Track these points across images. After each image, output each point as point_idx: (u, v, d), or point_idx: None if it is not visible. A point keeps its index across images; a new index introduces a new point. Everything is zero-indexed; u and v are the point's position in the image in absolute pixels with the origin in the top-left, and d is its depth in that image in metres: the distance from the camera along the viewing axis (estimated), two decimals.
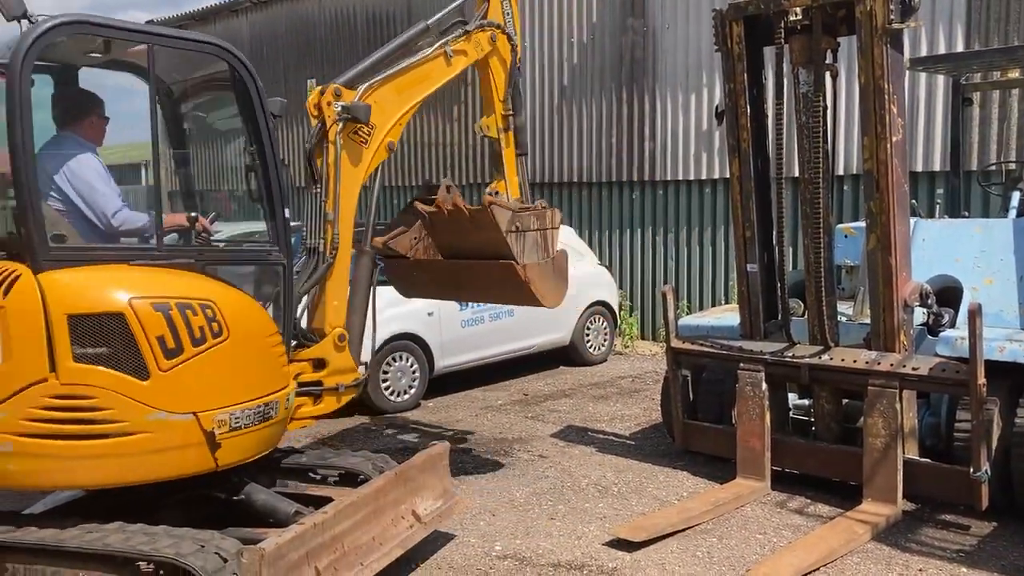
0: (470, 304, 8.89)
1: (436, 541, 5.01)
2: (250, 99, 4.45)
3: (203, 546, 3.70)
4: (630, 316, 11.85)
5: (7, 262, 3.95)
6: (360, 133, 5.18)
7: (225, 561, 3.64)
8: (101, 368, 3.82)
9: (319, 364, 4.94)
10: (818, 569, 4.63)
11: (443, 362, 8.74)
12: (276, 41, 17.07)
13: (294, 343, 4.84)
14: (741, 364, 5.95)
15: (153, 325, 3.89)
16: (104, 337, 3.85)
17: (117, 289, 3.93)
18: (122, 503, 4.24)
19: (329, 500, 4.52)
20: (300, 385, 4.76)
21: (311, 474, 5.09)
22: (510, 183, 6.31)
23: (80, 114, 4.55)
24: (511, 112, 6.39)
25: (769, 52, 6.10)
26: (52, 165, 4.33)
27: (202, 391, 4.03)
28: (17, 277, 3.84)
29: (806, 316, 6.02)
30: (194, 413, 3.99)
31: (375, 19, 15.39)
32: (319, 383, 4.92)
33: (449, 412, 8.29)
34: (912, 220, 5.95)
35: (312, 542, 3.86)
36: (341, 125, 5.02)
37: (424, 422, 7.94)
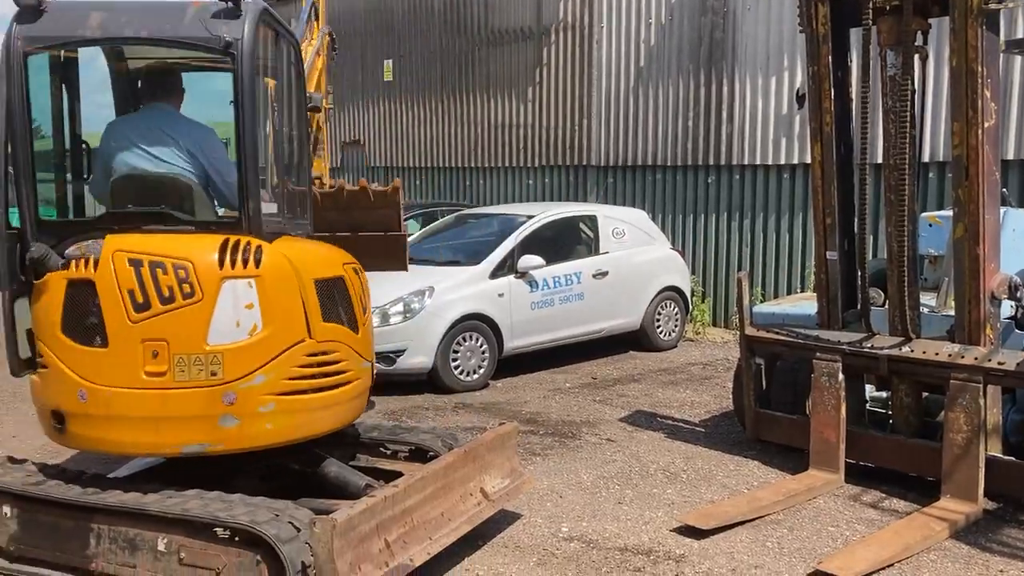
0: (541, 286, 8.90)
1: (503, 520, 5.04)
2: None
3: (277, 515, 3.79)
4: (702, 302, 11.69)
5: (216, 235, 4.17)
6: None
7: (298, 530, 3.72)
8: (337, 325, 4.38)
9: None
10: (893, 565, 4.52)
11: (512, 343, 8.77)
12: (355, 21, 17.24)
13: None
14: (818, 354, 5.82)
15: (358, 286, 4.59)
16: (336, 298, 4.40)
17: (333, 257, 4.58)
18: (199, 472, 4.37)
19: (399, 475, 4.59)
20: None
21: (382, 449, 5.17)
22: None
23: (176, 86, 4.71)
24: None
25: (855, 34, 5.92)
26: (188, 139, 4.52)
27: (372, 344, 4.74)
28: (259, 248, 4.11)
29: (886, 306, 5.86)
30: (371, 362, 4.69)
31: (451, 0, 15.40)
32: None
33: (517, 393, 8.32)
34: (1002, 209, 5.72)
35: (382, 515, 3.92)
36: None
37: (492, 402, 7.98)
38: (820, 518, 5.19)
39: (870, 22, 5.49)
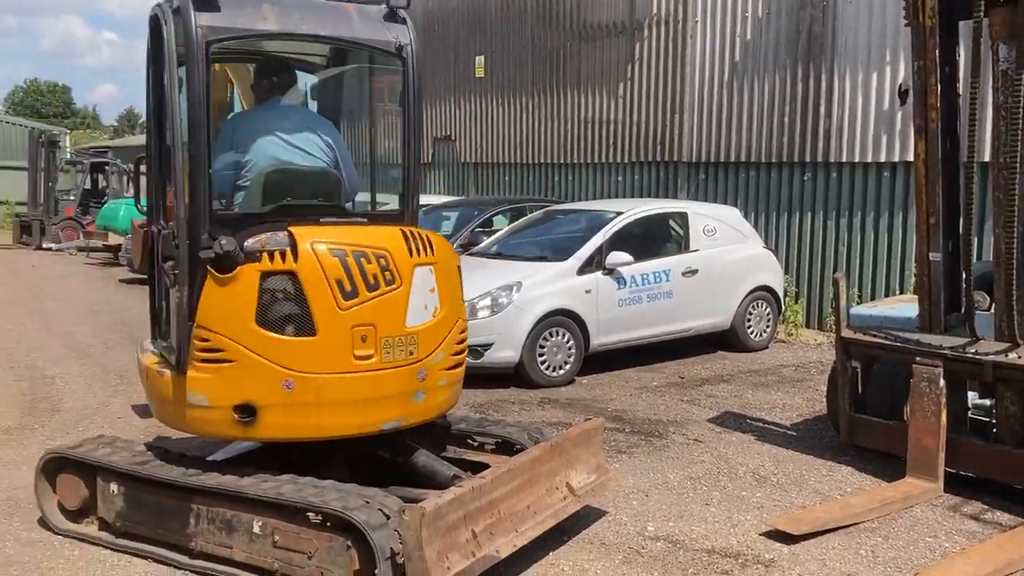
0: (629, 283, 8.84)
1: (588, 516, 5.03)
2: None
3: (368, 502, 3.88)
4: (795, 303, 11.41)
5: (388, 226, 4.50)
6: None
7: (388, 517, 3.79)
8: (465, 303, 4.81)
9: None
10: None
11: (599, 340, 8.73)
12: (447, 17, 17.41)
13: None
14: (918, 358, 5.62)
15: None
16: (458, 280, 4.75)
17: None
18: (293, 457, 4.50)
19: (486, 466, 4.63)
20: None
21: (469, 440, 5.22)
22: None
23: (295, 82, 4.88)
24: None
25: (964, 27, 5.69)
26: (326, 133, 4.76)
27: None
28: (428, 237, 4.52)
29: (992, 310, 5.61)
30: None
31: None
32: None
33: (603, 390, 8.28)
34: None
35: (470, 505, 3.96)
36: None
37: (578, 398, 7.97)
38: (917, 528, 5.01)
39: (982, 14, 5.26)
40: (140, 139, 53.26)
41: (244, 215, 4.38)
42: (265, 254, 4.10)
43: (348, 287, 4.14)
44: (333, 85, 5.31)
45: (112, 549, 4.52)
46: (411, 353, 4.34)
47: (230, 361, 4.13)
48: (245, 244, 4.11)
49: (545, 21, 15.35)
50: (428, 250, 4.44)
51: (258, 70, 4.88)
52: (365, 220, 4.63)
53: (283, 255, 4.11)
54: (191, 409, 4.25)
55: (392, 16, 4.58)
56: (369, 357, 4.21)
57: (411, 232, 4.46)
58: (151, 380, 4.53)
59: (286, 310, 4.13)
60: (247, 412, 4.16)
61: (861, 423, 6.18)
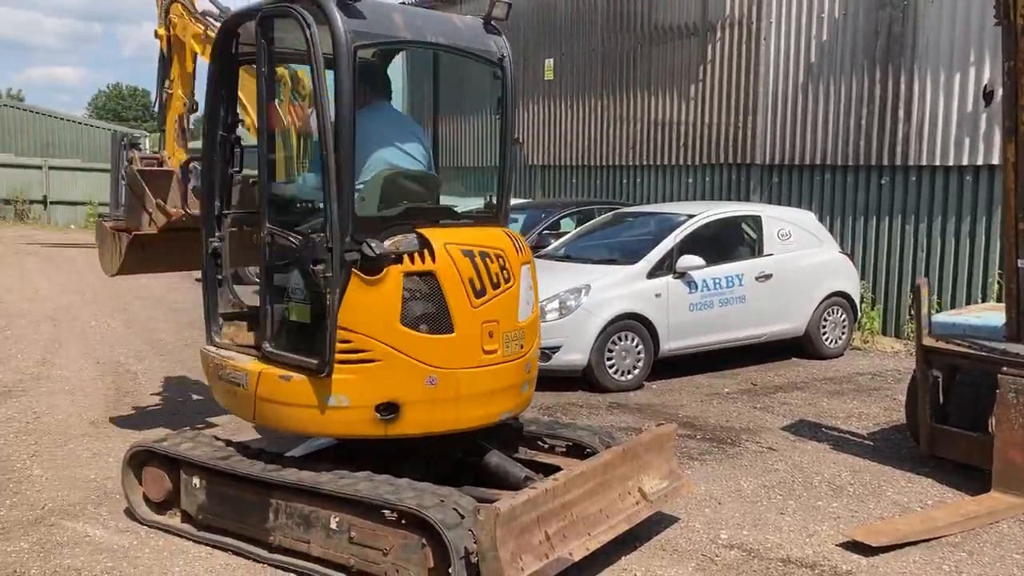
0: (700, 288, 8.74)
1: (660, 523, 4.99)
2: None
3: (443, 501, 3.91)
4: (872, 309, 11.15)
5: (490, 227, 4.71)
6: None
7: (462, 517, 3.82)
8: None
9: None
10: None
11: (669, 345, 8.66)
12: (517, 19, 17.45)
13: None
14: (1004, 368, 5.44)
15: None
16: None
17: None
18: (369, 455, 4.56)
19: (557, 469, 4.63)
20: None
21: (539, 443, 5.23)
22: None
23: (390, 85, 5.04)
24: None
25: None
26: (423, 136, 4.95)
27: None
28: (520, 237, 4.82)
29: None
30: None
31: None
32: None
33: (673, 396, 8.21)
34: None
35: (543, 507, 3.97)
36: None
37: (647, 403, 7.91)
38: (1003, 544, 4.85)
39: None
40: None
41: (376, 218, 4.41)
42: (405, 255, 4.21)
43: (478, 285, 4.35)
44: (429, 91, 5.47)
45: (194, 541, 4.65)
46: (521, 346, 4.60)
47: (375, 361, 4.20)
48: (383, 246, 4.20)
49: (615, 23, 15.29)
50: (525, 249, 4.76)
51: (365, 74, 4.83)
52: (471, 221, 4.79)
53: (421, 256, 4.24)
54: (330, 411, 4.29)
55: (489, 27, 4.81)
56: (494, 351, 4.44)
57: (509, 232, 4.74)
58: (267, 386, 4.44)
59: (427, 309, 4.25)
60: (390, 410, 4.25)
61: (942, 434, 6.01)
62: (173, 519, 4.80)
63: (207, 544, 4.60)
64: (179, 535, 4.71)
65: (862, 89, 11.40)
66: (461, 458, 4.76)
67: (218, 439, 4.91)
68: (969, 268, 10.43)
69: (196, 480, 4.64)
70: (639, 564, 4.52)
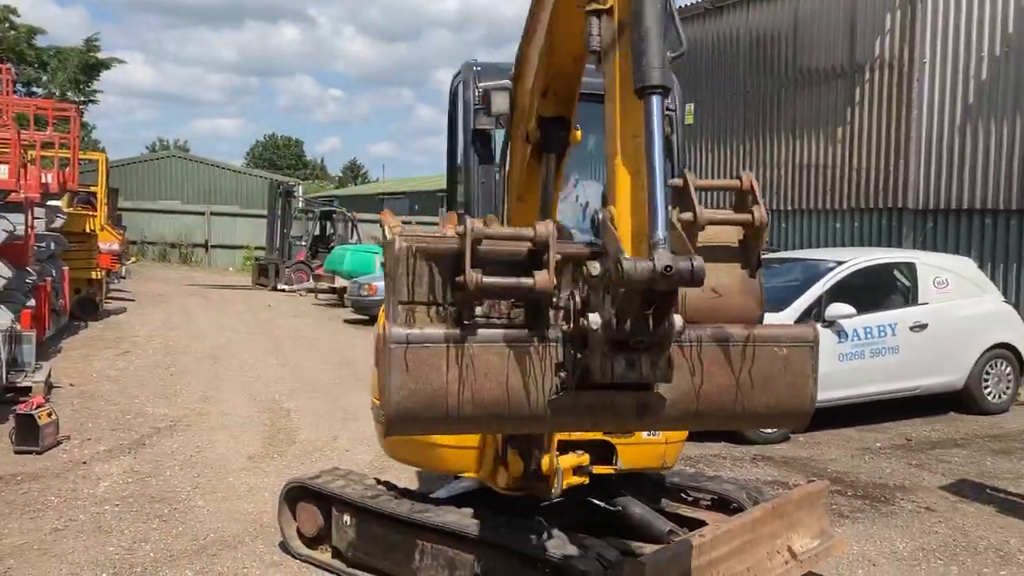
0: (851, 337, 8.42)
1: None
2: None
3: (586, 551, 3.90)
4: None
5: None
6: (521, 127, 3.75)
7: (606, 569, 3.80)
8: None
9: None
10: None
11: (816, 395, 8.33)
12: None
13: None
14: None
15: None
16: None
17: None
18: (509, 499, 4.60)
19: (700, 523, 4.54)
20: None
21: (683, 495, 5.13)
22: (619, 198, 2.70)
23: None
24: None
25: None
26: None
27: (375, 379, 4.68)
28: None
29: None
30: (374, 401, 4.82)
31: (758, 42, 15.15)
32: None
33: (821, 449, 7.89)
34: None
35: (689, 563, 3.89)
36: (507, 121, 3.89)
37: (793, 456, 7.64)
38: None
39: None
40: (362, 188, 56.94)
41: None
42: None
43: None
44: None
45: None
46: None
47: None
48: None
49: (758, 67, 15.10)
50: None
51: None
52: None
53: None
54: None
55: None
56: None
57: None
58: None
59: None
60: None
61: None
62: (324, 555, 4.97)
63: None
64: (329, 570, 4.87)
65: None
66: (603, 508, 4.73)
67: (368, 478, 5.07)
68: None
69: (347, 517, 4.80)
70: None
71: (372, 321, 5.28)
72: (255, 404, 9.24)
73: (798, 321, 8.34)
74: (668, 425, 3.03)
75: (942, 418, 9.05)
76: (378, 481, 5.02)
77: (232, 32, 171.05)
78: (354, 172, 79.57)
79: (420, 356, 2.42)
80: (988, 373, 9.20)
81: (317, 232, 24.29)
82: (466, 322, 2.53)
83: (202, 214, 31.96)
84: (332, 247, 22.08)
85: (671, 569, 3.79)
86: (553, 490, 4.16)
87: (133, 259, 23.72)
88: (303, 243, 23.80)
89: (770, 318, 8.20)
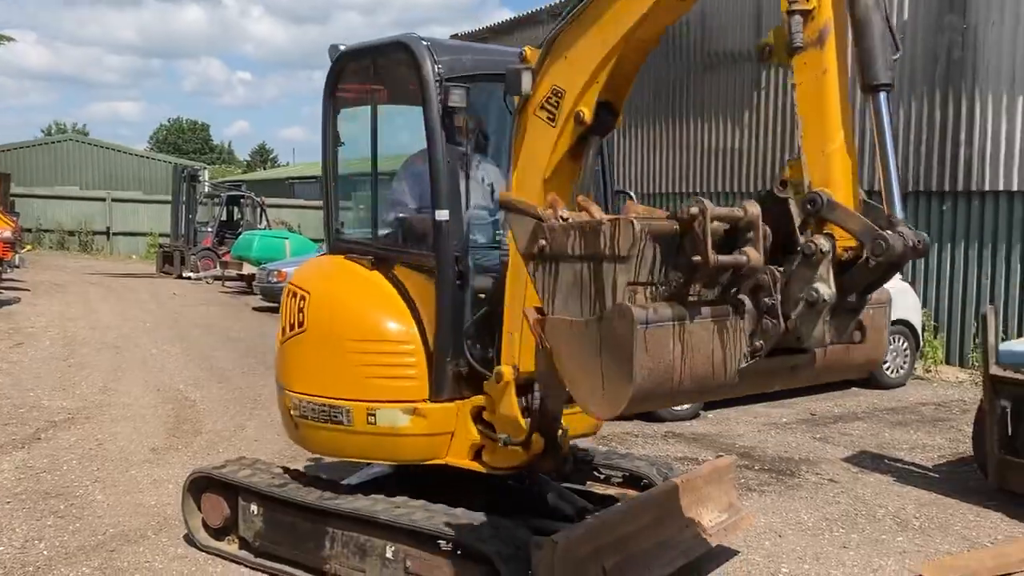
0: None
1: (719, 556, 4.88)
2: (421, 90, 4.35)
3: (499, 532, 3.88)
4: (935, 338, 10.88)
5: None
6: (548, 106, 3.65)
7: (519, 549, 3.78)
8: None
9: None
10: None
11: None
12: None
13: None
14: None
15: (283, 307, 4.80)
16: None
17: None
18: (424, 484, 4.55)
19: (613, 500, 4.58)
20: (483, 423, 4.28)
21: (595, 473, 5.17)
22: (810, 160, 2.91)
23: None
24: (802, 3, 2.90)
25: None
26: None
27: (290, 371, 4.74)
28: None
29: None
30: (285, 389, 4.77)
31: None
32: (492, 427, 4.24)
33: (729, 426, 8.07)
34: None
35: (601, 539, 3.91)
36: (522, 100, 3.74)
37: (703, 433, 7.79)
38: None
39: None
40: (271, 173, 55.72)
41: None
42: None
43: None
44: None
45: (251, 568, 4.67)
46: None
47: None
48: None
49: (668, 51, 15.28)
50: None
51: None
52: None
53: None
54: None
55: None
56: None
57: None
58: None
59: None
60: None
61: (1012, 466, 5.81)
62: (231, 546, 4.83)
63: (264, 571, 4.62)
64: (236, 562, 4.73)
65: (922, 114, 11.22)
66: (516, 487, 4.72)
67: (275, 466, 4.95)
68: None
69: (254, 507, 4.67)
70: None
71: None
72: (159, 395, 8.94)
73: None
74: (805, 382, 3.23)
75: (844, 393, 9.36)
76: (286, 469, 4.91)
77: (133, 12, 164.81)
78: (263, 156, 77.73)
79: (655, 336, 2.61)
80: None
81: (224, 218, 23.61)
82: (689, 300, 2.74)
83: (103, 200, 30.73)
84: (240, 233, 21.52)
85: (583, 546, 3.80)
86: (567, 462, 4.35)
87: (28, 247, 22.65)
88: (209, 229, 23.10)
89: None
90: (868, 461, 6.88)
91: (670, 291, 2.77)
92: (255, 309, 16.25)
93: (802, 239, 2.72)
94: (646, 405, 2.81)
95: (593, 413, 3.12)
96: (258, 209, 23.63)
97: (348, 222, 5.13)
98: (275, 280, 15.20)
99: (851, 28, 2.81)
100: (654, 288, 2.79)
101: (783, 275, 2.73)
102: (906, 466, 6.77)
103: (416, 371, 4.34)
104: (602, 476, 5.16)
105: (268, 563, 4.63)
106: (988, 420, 5.90)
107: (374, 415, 4.33)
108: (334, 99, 4.95)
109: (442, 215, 4.29)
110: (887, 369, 9.54)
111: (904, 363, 9.71)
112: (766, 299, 2.74)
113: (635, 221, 2.75)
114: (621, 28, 3.32)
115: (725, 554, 4.94)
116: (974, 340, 10.47)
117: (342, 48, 4.81)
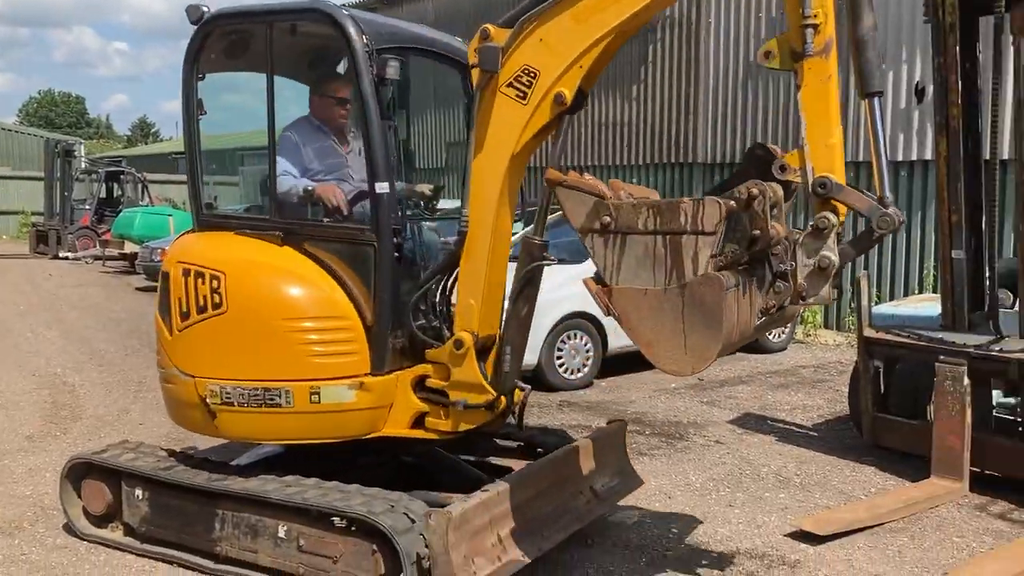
0: None
1: (612, 519, 5.01)
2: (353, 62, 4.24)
3: (393, 506, 3.87)
4: None
5: None
6: (518, 84, 3.89)
7: (413, 522, 3.78)
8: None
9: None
10: None
11: (617, 342, 8.68)
12: (461, 24, 17.41)
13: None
14: (941, 357, 5.57)
15: (178, 288, 4.40)
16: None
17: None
18: (317, 462, 4.49)
19: (509, 470, 4.61)
20: (427, 391, 4.30)
21: (493, 443, 5.19)
22: (814, 151, 3.34)
23: None
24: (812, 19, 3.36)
25: (984, 23, 5.65)
26: None
27: (200, 357, 4.35)
28: None
29: (1017, 307, 5.57)
30: (192, 376, 4.36)
31: None
32: (445, 394, 4.26)
33: (622, 392, 8.26)
34: None
35: (496, 509, 3.95)
36: (487, 76, 3.92)
37: (597, 401, 7.95)
38: (944, 528, 4.97)
39: (1003, 10, 5.23)
40: (154, 148, 53.53)
41: None
42: None
43: None
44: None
45: (137, 554, 4.52)
46: None
47: None
48: None
49: None
50: None
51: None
52: None
53: None
54: None
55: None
56: None
57: None
58: None
59: None
60: None
61: (884, 423, 6.13)
62: (115, 533, 4.67)
63: (151, 557, 4.48)
64: (121, 549, 4.58)
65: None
66: (410, 461, 4.71)
67: (160, 449, 4.79)
68: (906, 260, 10.70)
69: (139, 492, 4.52)
70: (592, 562, 4.53)
71: None
72: (34, 380, 8.52)
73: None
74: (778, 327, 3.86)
75: (730, 358, 9.65)
76: (172, 452, 4.76)
77: None
78: (144, 131, 74.54)
79: (728, 300, 3.10)
80: None
81: (103, 195, 22.59)
82: (740, 268, 3.25)
83: None
84: (120, 210, 20.63)
85: (478, 516, 3.83)
86: (518, 419, 4.54)
87: None
88: (87, 207, 22.07)
89: (572, 269, 8.40)
90: (752, 423, 7.15)
91: (727, 260, 3.22)
92: (138, 289, 15.65)
93: (815, 216, 3.26)
94: (717, 358, 3.28)
95: (670, 370, 3.38)
96: (139, 185, 22.71)
97: (225, 197, 4.94)
98: (159, 259, 14.64)
99: (852, 45, 3.37)
100: (715, 258, 3.19)
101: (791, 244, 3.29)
102: (787, 426, 7.07)
103: (357, 345, 4.22)
104: (498, 447, 5.19)
105: (155, 548, 4.49)
106: (862, 380, 6.20)
107: (318, 393, 4.16)
108: (197, 64, 4.62)
109: (382, 187, 4.20)
110: (769, 334, 9.91)
111: (785, 328, 10.10)
112: (781, 265, 3.30)
113: (720, 201, 3.15)
114: (609, 20, 3.73)
115: (618, 517, 5.06)
116: (850, 305, 10.98)
117: (205, 10, 4.51)
